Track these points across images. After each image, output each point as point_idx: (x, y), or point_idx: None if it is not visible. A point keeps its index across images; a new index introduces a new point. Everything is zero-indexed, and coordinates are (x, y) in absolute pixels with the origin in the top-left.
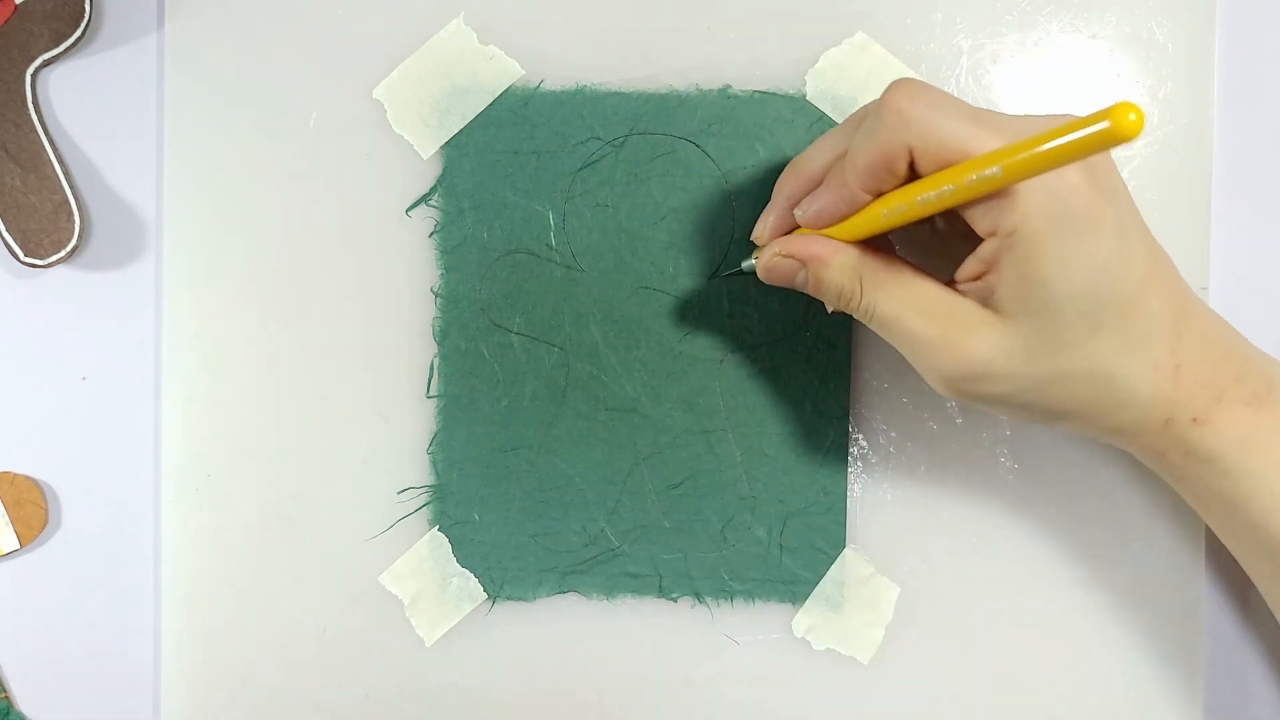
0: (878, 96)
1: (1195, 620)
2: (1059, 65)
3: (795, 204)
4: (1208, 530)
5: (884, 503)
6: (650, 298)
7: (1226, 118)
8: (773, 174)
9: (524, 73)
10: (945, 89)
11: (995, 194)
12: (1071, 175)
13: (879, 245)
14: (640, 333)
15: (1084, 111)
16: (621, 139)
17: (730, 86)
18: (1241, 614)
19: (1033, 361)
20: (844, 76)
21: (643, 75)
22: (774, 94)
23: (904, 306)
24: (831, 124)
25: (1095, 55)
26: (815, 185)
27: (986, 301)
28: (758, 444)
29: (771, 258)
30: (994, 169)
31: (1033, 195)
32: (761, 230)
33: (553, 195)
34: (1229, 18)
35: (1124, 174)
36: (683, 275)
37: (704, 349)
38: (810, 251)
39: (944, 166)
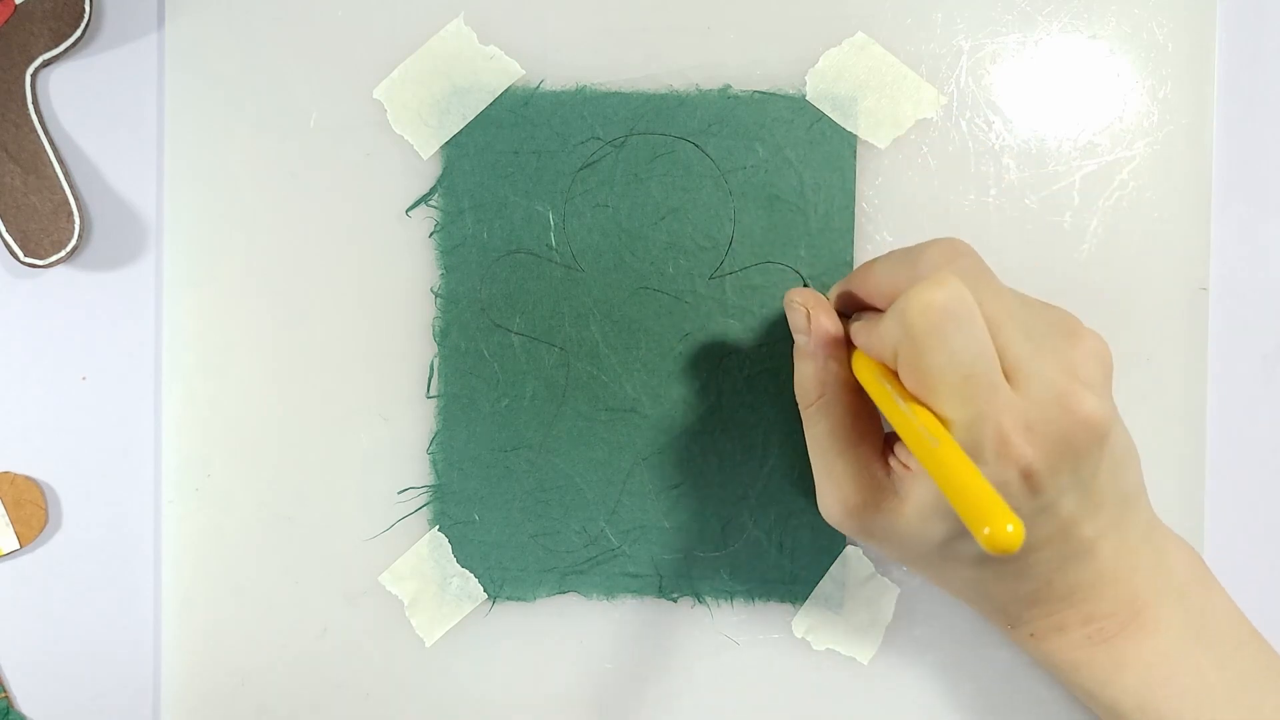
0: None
1: None
2: (1059, 65)
3: (835, 302)
4: (1208, 530)
5: None
6: (650, 298)
7: (1226, 118)
8: (773, 174)
9: (524, 73)
10: (945, 89)
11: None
12: (1006, 473)
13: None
14: (640, 333)
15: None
16: (621, 139)
17: (730, 86)
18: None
19: (907, 550)
20: (844, 76)
21: (643, 75)
22: (774, 94)
23: (829, 441)
24: (831, 124)
25: (1095, 55)
26: (857, 305)
27: (896, 489)
28: (758, 444)
29: (800, 303)
30: (934, 442)
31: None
32: (804, 319)
33: (553, 195)
34: (1229, 18)
35: (1124, 174)
36: (683, 275)
37: (704, 349)
38: (818, 335)
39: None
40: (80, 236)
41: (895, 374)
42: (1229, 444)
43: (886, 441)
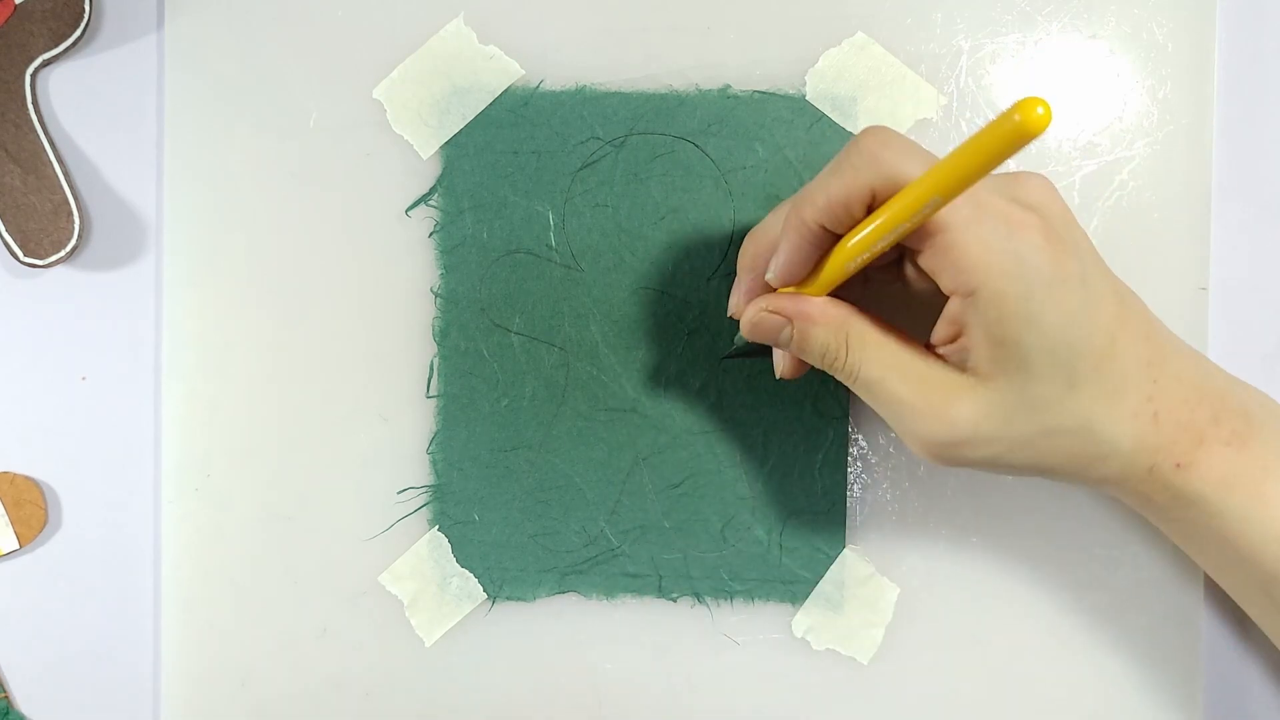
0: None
1: (1195, 622)
2: (1059, 65)
3: (759, 270)
4: None
5: (884, 503)
6: (650, 298)
7: (1226, 118)
8: (773, 174)
9: (524, 73)
10: (945, 89)
11: (954, 249)
12: (1030, 233)
13: (865, 308)
14: (640, 333)
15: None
16: (621, 139)
17: (730, 86)
18: (1242, 615)
19: (1013, 423)
20: (844, 76)
21: (643, 75)
22: (774, 94)
23: (889, 370)
24: (831, 124)
25: (1095, 55)
26: (773, 250)
27: (963, 365)
28: (758, 444)
29: (757, 313)
30: (929, 194)
31: (992, 255)
32: (736, 302)
33: (553, 195)
34: (1229, 18)
35: (1124, 174)
36: (683, 275)
37: (704, 349)
38: (798, 308)
39: None
40: (80, 236)
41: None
42: None
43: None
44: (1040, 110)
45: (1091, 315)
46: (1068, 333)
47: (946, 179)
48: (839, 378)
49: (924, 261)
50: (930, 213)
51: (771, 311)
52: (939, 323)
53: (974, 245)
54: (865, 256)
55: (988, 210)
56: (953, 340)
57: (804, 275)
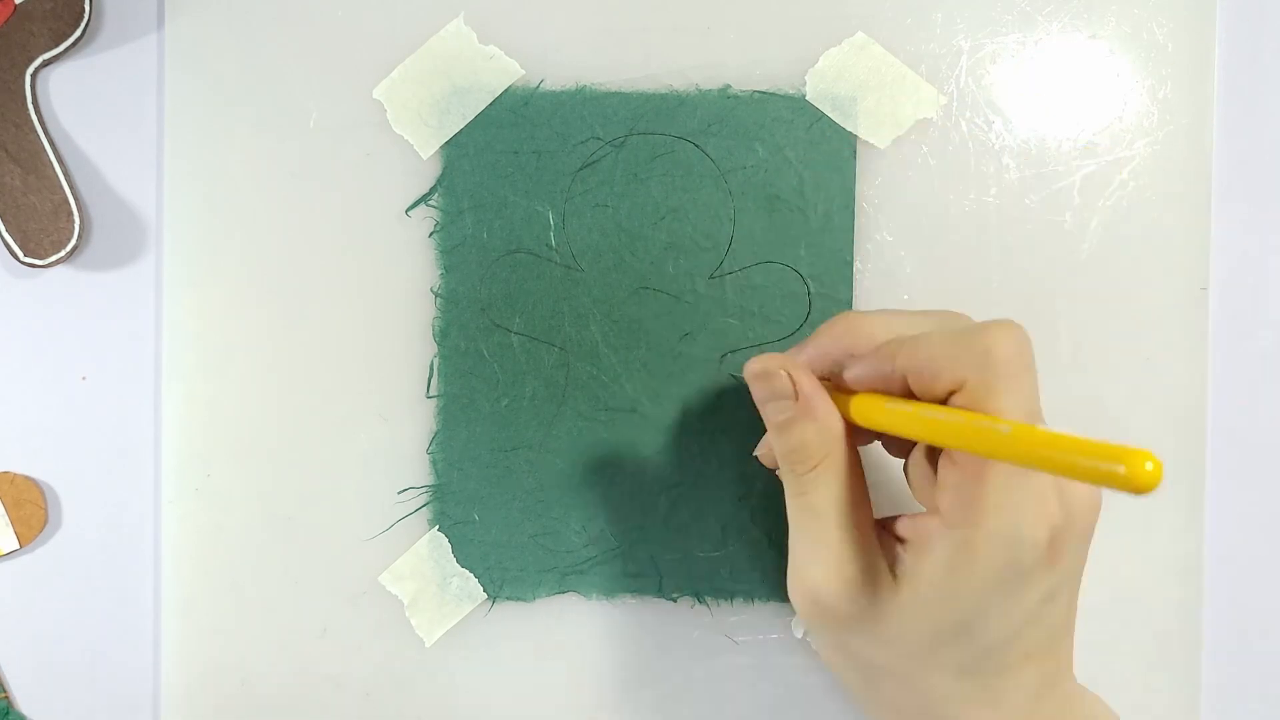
0: (975, 322)
1: (1195, 621)
2: (1059, 65)
3: (828, 351)
4: (1208, 530)
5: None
6: (650, 298)
7: (1226, 118)
8: (773, 174)
9: (524, 73)
10: (945, 89)
11: (976, 492)
12: (1041, 530)
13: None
14: (640, 333)
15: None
16: (621, 139)
17: (730, 86)
18: (1242, 615)
19: (887, 648)
20: (844, 76)
21: (643, 75)
22: (774, 94)
23: (835, 515)
24: (831, 124)
25: (1095, 55)
26: (858, 351)
27: (893, 563)
28: (757, 444)
29: (777, 369)
30: (1004, 428)
31: (1000, 522)
32: (794, 355)
33: (553, 195)
34: (1229, 18)
35: (1124, 174)
36: (683, 275)
37: (704, 349)
38: (812, 394)
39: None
40: (80, 236)
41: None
42: (1229, 444)
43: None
44: (1149, 466)
45: (1027, 634)
46: (996, 635)
47: (1024, 450)
48: (785, 480)
49: (943, 472)
50: (983, 452)
51: (789, 377)
52: (906, 519)
53: (993, 504)
54: (905, 433)
55: (1030, 486)
56: (904, 540)
57: (859, 389)
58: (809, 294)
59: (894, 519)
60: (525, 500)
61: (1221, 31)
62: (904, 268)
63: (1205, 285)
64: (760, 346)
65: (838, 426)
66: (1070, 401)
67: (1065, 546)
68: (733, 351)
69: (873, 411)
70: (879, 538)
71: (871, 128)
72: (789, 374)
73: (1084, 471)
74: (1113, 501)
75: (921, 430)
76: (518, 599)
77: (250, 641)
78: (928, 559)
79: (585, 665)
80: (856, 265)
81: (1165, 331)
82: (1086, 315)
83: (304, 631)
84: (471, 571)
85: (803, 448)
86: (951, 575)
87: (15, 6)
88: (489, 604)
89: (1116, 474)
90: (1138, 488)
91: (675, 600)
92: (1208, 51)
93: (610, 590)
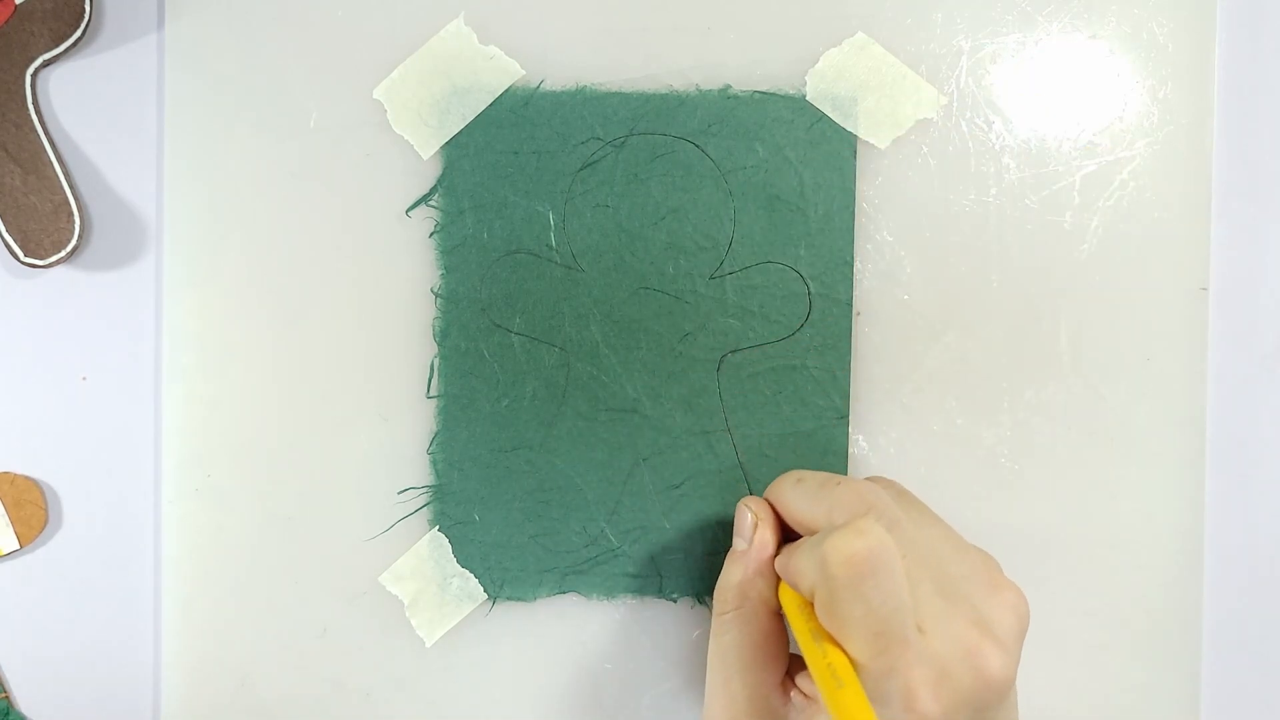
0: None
1: (1195, 620)
2: (1059, 65)
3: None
4: (1208, 530)
5: None
6: (650, 298)
7: (1226, 118)
8: (773, 174)
9: (524, 73)
10: (945, 89)
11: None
12: None
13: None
14: (640, 333)
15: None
16: (621, 139)
17: (730, 86)
18: (1242, 614)
19: None
20: (844, 76)
21: (643, 75)
22: (774, 94)
23: (735, 658)
24: (831, 124)
25: (1095, 55)
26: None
27: (791, 713)
28: (758, 444)
29: (749, 510)
30: (839, 682)
31: None
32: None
33: (553, 195)
34: (1229, 18)
35: (1124, 174)
36: (683, 275)
37: (704, 349)
38: (761, 551)
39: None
40: (80, 236)
41: (811, 605)
42: (1229, 444)
43: (789, 669)
44: None
45: None
46: None
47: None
48: (714, 613)
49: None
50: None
51: (754, 523)
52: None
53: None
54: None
55: (903, 679)
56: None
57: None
58: (809, 294)
59: (803, 670)
60: (525, 500)
61: (1221, 31)
62: (904, 268)
63: (1205, 285)
64: (760, 347)
65: (762, 588)
66: (1070, 401)
67: None
68: (733, 351)
69: (785, 597)
70: (785, 688)
71: (871, 128)
72: (757, 520)
73: None
74: (1113, 501)
75: (798, 637)
76: (518, 599)
77: (250, 641)
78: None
79: (585, 665)
80: (856, 265)
81: (1165, 331)
82: (1086, 315)
83: (304, 632)
84: (472, 571)
85: (727, 588)
86: None
87: (15, 6)
88: (489, 604)
89: None
90: None
91: (675, 600)
92: (1208, 51)
93: (610, 590)
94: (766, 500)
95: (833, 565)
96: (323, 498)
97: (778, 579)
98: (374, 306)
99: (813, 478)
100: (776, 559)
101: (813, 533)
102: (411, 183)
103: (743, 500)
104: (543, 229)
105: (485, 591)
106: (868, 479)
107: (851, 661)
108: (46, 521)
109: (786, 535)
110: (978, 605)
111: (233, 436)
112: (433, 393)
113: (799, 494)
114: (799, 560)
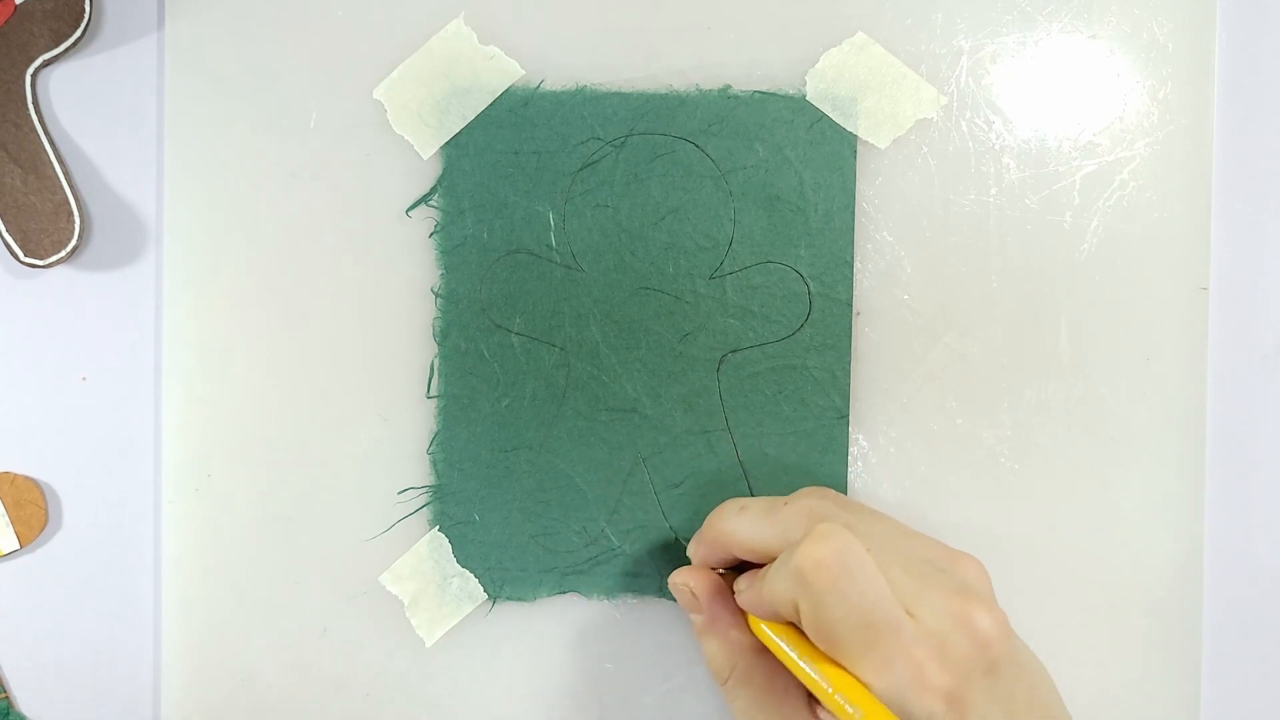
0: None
1: (1195, 620)
2: (1059, 65)
3: (720, 557)
4: (1208, 530)
5: (884, 503)
6: (650, 298)
7: (1226, 118)
8: (773, 174)
9: (524, 73)
10: (945, 89)
11: None
12: (926, 700)
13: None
14: (640, 333)
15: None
16: (621, 139)
17: (730, 86)
18: (1242, 614)
19: None
20: (844, 76)
21: (643, 75)
22: (774, 94)
23: (759, 709)
24: (831, 124)
25: (1095, 55)
26: (740, 552)
27: None
28: (758, 444)
29: (681, 583)
30: (827, 687)
31: None
32: (692, 551)
33: (553, 195)
34: (1229, 18)
35: (1124, 174)
36: (683, 275)
37: (704, 349)
38: (712, 610)
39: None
40: (80, 236)
41: (795, 626)
42: (1229, 444)
43: (809, 696)
44: None
45: None
46: None
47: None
48: (718, 684)
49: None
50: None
51: (691, 591)
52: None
53: (877, 690)
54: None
55: (907, 658)
56: None
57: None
58: (809, 294)
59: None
60: (525, 500)
61: (1221, 31)
62: (904, 268)
63: (1205, 285)
64: (760, 347)
65: (742, 639)
66: (1070, 401)
67: (968, 695)
68: (733, 351)
69: (757, 630)
70: (812, 709)
71: (871, 128)
72: (690, 590)
73: None
74: (1113, 501)
75: (791, 670)
76: (518, 599)
77: (250, 641)
78: None
79: (585, 665)
80: (856, 265)
81: (1165, 331)
82: (1086, 315)
83: (304, 631)
84: (472, 571)
85: (712, 662)
86: None
87: (15, 6)
88: (489, 604)
89: None
90: None
91: (675, 600)
92: (1208, 51)
93: (610, 590)
94: (693, 562)
95: (808, 574)
96: (322, 498)
97: (746, 617)
98: (374, 306)
99: (755, 504)
100: (740, 599)
101: (765, 556)
102: (411, 183)
103: (670, 580)
104: (543, 229)
105: (485, 591)
106: (803, 493)
107: (854, 676)
108: (46, 521)
109: (740, 566)
110: (948, 574)
111: (232, 436)
112: (433, 393)
113: (745, 521)
114: (771, 585)
